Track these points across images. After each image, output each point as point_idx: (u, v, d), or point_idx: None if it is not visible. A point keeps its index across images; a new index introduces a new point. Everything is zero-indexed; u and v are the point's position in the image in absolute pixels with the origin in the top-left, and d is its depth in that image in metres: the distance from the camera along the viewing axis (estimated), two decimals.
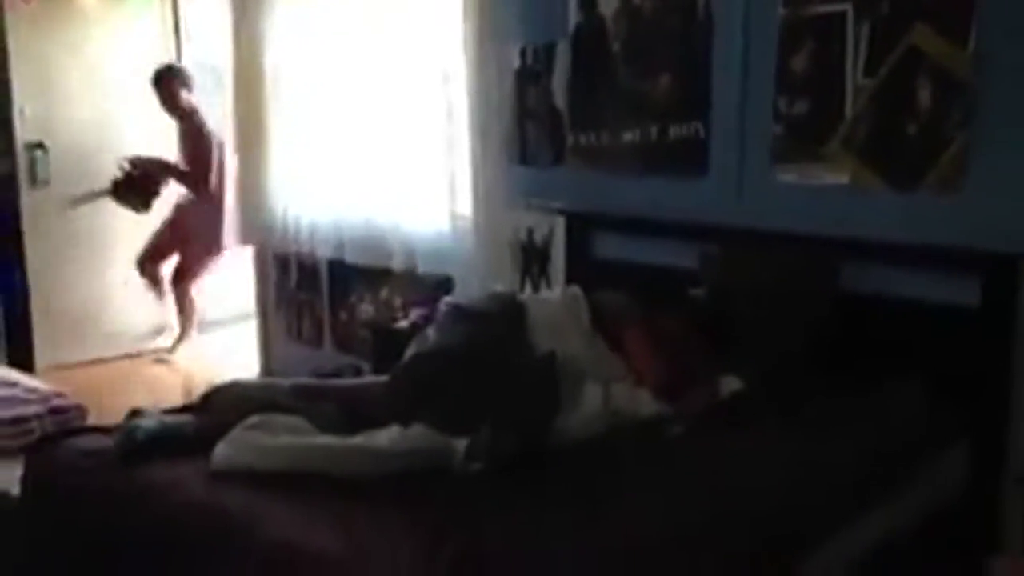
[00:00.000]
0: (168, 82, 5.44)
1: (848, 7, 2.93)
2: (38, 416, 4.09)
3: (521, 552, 1.75)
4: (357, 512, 1.90)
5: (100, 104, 5.46)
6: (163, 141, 5.60)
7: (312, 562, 1.76)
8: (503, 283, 3.84)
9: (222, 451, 2.16)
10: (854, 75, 2.94)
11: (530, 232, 3.85)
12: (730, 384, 2.65)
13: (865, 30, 2.90)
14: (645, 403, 2.51)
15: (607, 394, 2.46)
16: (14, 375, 4.66)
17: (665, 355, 2.65)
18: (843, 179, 2.99)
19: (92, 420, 3.78)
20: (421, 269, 4.18)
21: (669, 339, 2.70)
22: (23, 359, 5.07)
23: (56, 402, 4.27)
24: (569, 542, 1.81)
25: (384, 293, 4.51)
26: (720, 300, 2.96)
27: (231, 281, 5.83)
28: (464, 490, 2.04)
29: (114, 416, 2.58)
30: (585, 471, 2.16)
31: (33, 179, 5.23)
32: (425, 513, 1.88)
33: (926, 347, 2.74)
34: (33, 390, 4.37)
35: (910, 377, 2.68)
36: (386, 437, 2.19)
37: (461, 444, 2.16)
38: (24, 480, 2.41)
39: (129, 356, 5.63)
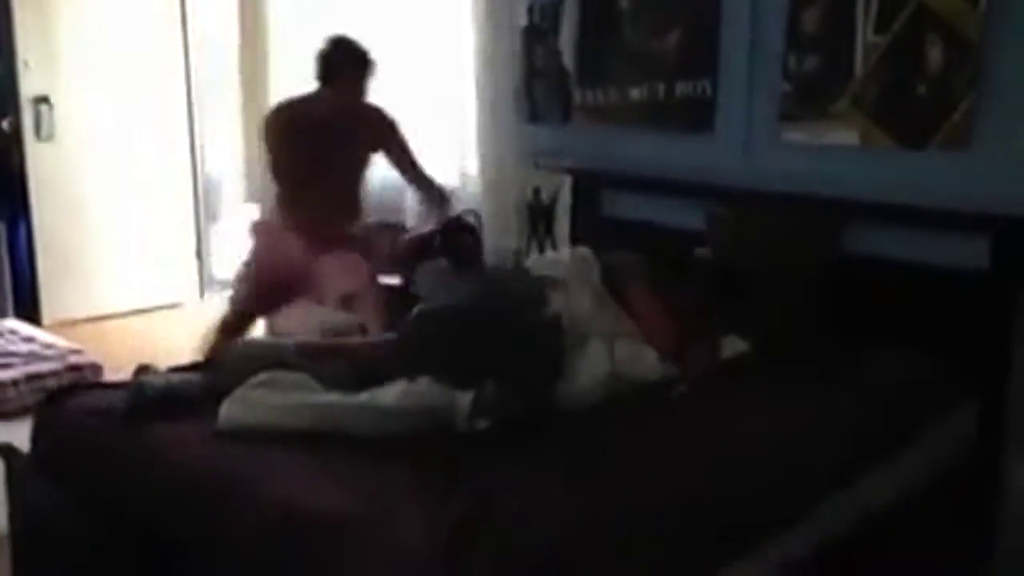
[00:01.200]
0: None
1: None
2: (55, 373, 4.14)
3: (524, 511, 1.76)
4: (362, 470, 1.91)
5: (106, 61, 5.41)
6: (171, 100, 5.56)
7: (317, 520, 1.77)
8: (510, 241, 3.84)
9: (228, 410, 2.17)
10: (864, 33, 2.91)
11: (536, 191, 3.84)
12: (733, 344, 2.66)
13: None
14: (650, 363, 2.52)
15: (612, 354, 2.46)
16: (30, 330, 4.70)
17: (671, 315, 2.65)
18: (852, 138, 2.97)
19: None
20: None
21: (675, 299, 2.70)
22: (30, 314, 5.09)
23: (73, 359, 4.32)
24: (566, 502, 1.82)
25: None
26: (726, 260, 2.95)
27: (239, 240, 5.82)
28: (469, 448, 2.05)
29: (121, 372, 2.59)
30: (587, 431, 2.17)
31: (38, 134, 5.21)
32: (431, 472, 1.89)
33: (934, 309, 2.74)
34: (50, 346, 4.41)
35: (916, 339, 2.68)
36: (392, 394, 2.19)
37: (466, 401, 2.17)
38: (33, 436, 2.43)
39: (138, 311, 5.64)
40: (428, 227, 3.66)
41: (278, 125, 3.65)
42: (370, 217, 3.85)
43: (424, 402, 2.17)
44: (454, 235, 3.52)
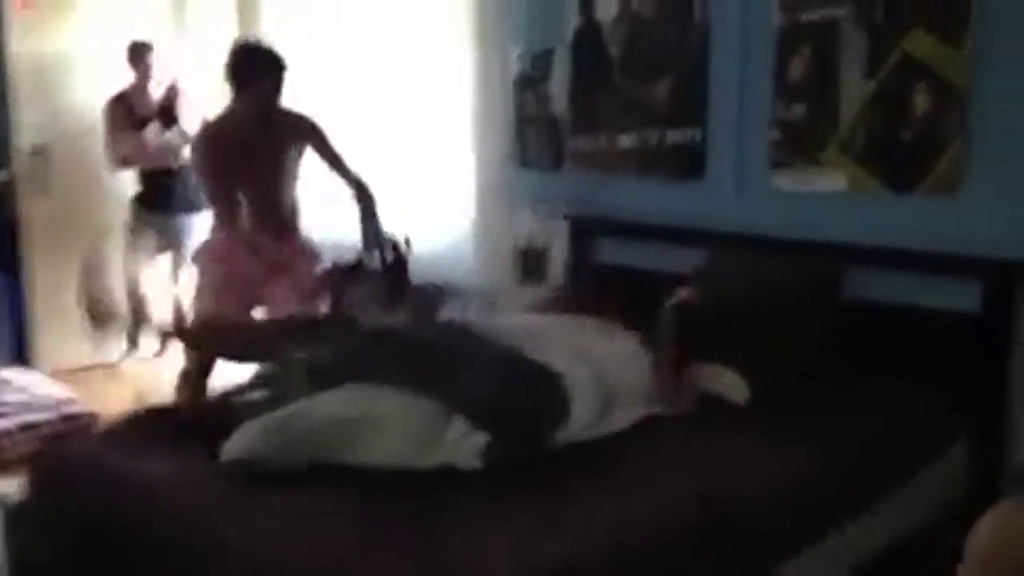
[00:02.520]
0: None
1: (844, 13, 2.95)
2: (49, 422, 4.12)
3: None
4: (342, 516, 1.90)
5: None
6: None
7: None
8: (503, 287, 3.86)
9: (230, 444, 2.14)
10: (850, 80, 2.96)
11: (531, 237, 3.86)
12: (735, 386, 2.66)
13: (861, 36, 2.92)
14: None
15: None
16: (25, 379, 4.68)
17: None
18: (840, 184, 3.01)
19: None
20: (420, 275, 4.19)
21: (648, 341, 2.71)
22: (25, 363, 5.07)
23: (67, 409, 4.29)
24: (547, 546, 1.82)
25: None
26: (716, 301, 2.96)
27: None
28: (462, 488, 2.05)
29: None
30: (573, 468, 2.17)
31: (34, 185, 5.23)
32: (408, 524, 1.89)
33: (926, 353, 2.76)
34: (44, 396, 4.39)
35: (909, 382, 2.70)
36: (392, 416, 2.18)
37: (478, 439, 2.15)
38: (31, 483, 2.43)
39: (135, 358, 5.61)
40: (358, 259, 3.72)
41: (204, 150, 3.73)
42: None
43: (434, 437, 2.16)
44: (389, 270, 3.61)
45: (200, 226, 4.65)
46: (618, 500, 2.01)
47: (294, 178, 3.86)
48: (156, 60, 4.85)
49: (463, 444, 2.15)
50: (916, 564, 2.48)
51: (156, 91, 4.84)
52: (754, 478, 2.20)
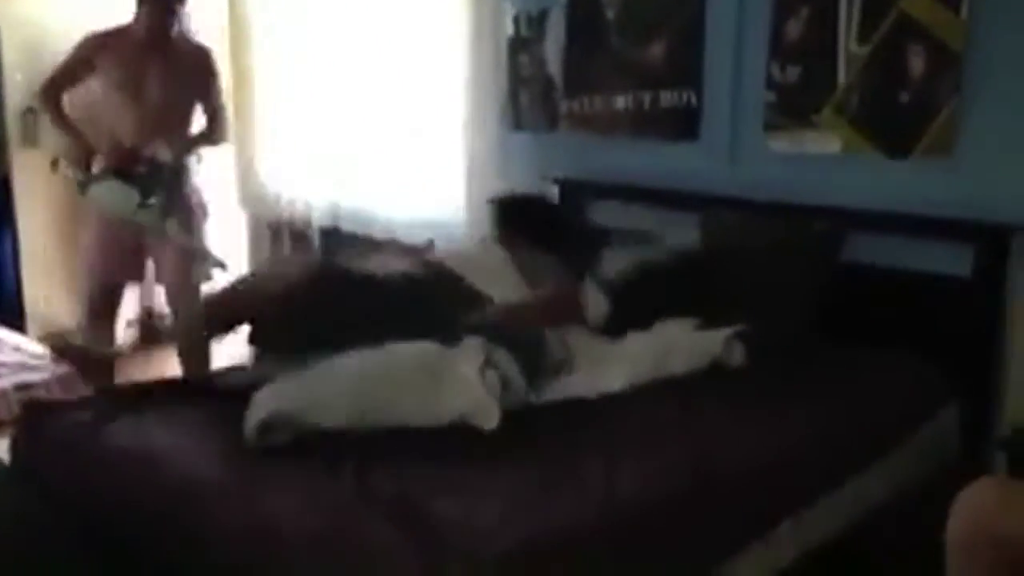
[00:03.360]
0: None
1: None
2: (44, 383, 4.10)
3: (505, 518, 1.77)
4: (343, 483, 1.90)
5: None
6: None
7: (288, 540, 1.74)
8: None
9: (254, 413, 2.09)
10: (847, 42, 2.94)
11: None
12: (730, 348, 2.64)
13: None
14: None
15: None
16: (16, 338, 4.66)
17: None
18: (835, 147, 3.00)
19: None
20: (411, 237, 4.18)
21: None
22: (17, 326, 5.06)
23: (61, 370, 4.29)
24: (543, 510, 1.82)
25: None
26: (715, 261, 2.96)
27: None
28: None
29: None
30: (568, 428, 2.20)
31: (25, 142, 5.19)
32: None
33: (918, 316, 2.77)
34: (38, 356, 4.38)
35: (901, 343, 2.71)
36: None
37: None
38: (13, 446, 2.41)
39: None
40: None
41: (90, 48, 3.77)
42: None
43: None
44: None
45: None
46: (610, 464, 2.01)
47: (186, 117, 3.90)
48: None
49: (476, 384, 2.18)
50: (904, 528, 2.50)
51: None
52: (748, 442, 2.20)
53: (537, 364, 2.38)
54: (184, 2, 3.75)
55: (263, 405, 2.09)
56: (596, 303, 2.78)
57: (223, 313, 2.58)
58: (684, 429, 2.22)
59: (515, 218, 3.28)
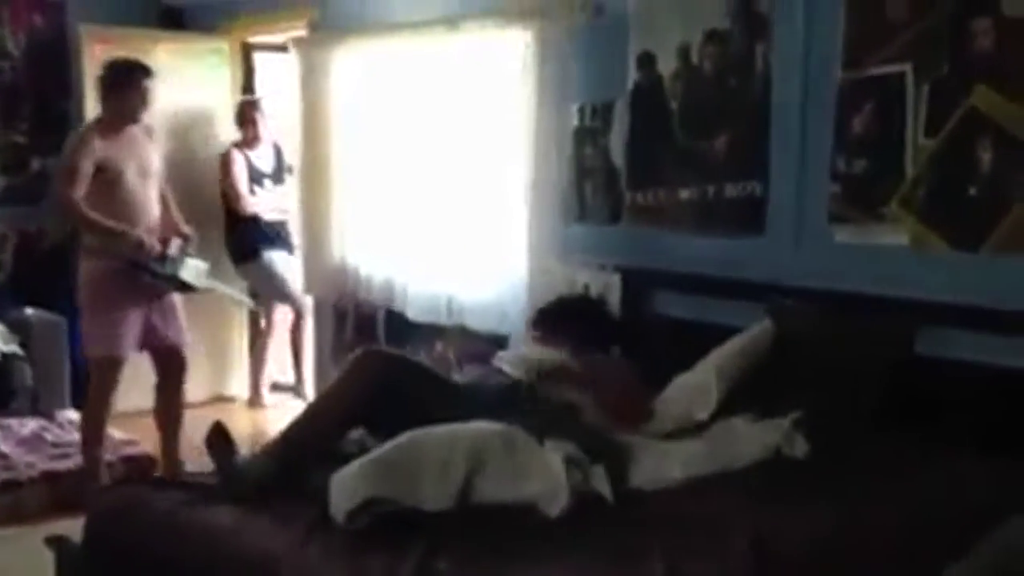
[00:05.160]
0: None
1: (908, 68, 2.93)
2: (109, 464, 4.18)
3: None
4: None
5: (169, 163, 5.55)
6: None
7: None
8: None
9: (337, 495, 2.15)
10: (914, 135, 2.93)
11: (586, 288, 3.86)
12: (792, 440, 2.61)
13: (925, 91, 2.90)
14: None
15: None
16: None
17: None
18: (902, 239, 2.97)
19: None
20: (475, 325, 4.21)
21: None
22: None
23: (127, 450, 4.37)
24: None
25: (439, 348, 4.54)
26: (780, 351, 2.93)
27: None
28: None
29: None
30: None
31: None
32: None
33: (991, 413, 2.69)
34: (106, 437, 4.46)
35: (972, 443, 2.63)
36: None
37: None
38: (87, 526, 2.46)
39: (194, 404, 5.68)
40: None
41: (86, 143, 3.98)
42: None
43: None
44: None
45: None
46: (670, 555, 1.99)
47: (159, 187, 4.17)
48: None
49: (559, 471, 2.20)
50: None
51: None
52: (809, 536, 2.16)
53: (620, 473, 2.39)
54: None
55: (352, 487, 2.12)
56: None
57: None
58: (744, 520, 2.18)
59: (564, 322, 3.28)
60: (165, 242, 4.05)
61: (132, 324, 4.02)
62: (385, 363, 2.64)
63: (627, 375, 2.99)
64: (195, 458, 4.06)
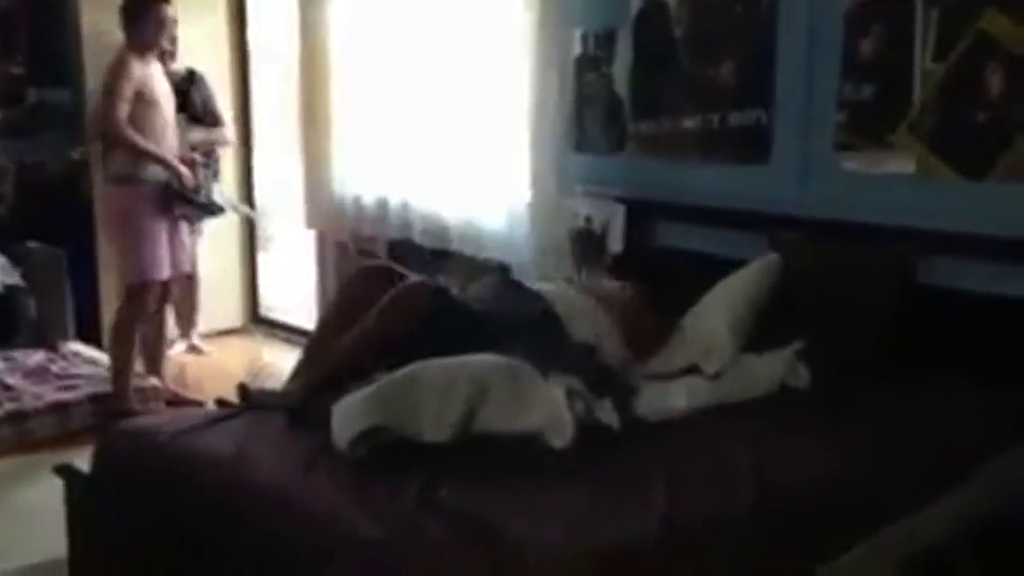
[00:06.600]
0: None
1: None
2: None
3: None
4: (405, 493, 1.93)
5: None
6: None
7: (349, 544, 1.80)
8: (561, 271, 3.85)
9: (339, 423, 2.16)
10: (922, 61, 2.88)
11: (588, 220, 3.84)
12: (794, 370, 2.62)
13: (934, 15, 2.83)
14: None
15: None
16: (92, 352, 4.81)
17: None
18: (909, 167, 2.93)
19: None
20: (478, 253, 4.20)
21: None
22: (94, 340, 5.19)
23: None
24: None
25: (442, 278, 4.54)
26: (784, 282, 2.93)
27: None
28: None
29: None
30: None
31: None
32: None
33: (994, 342, 2.68)
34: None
35: (975, 372, 2.63)
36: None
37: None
38: (95, 456, 2.48)
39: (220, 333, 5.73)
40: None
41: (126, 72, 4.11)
42: None
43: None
44: None
45: None
46: (672, 483, 2.02)
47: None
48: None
49: (560, 404, 2.21)
50: (970, 562, 2.43)
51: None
52: (810, 466, 2.18)
53: (625, 404, 2.39)
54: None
55: (355, 418, 2.13)
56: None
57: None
58: (746, 450, 2.20)
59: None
60: (193, 166, 4.12)
61: (165, 247, 4.17)
62: (429, 300, 2.54)
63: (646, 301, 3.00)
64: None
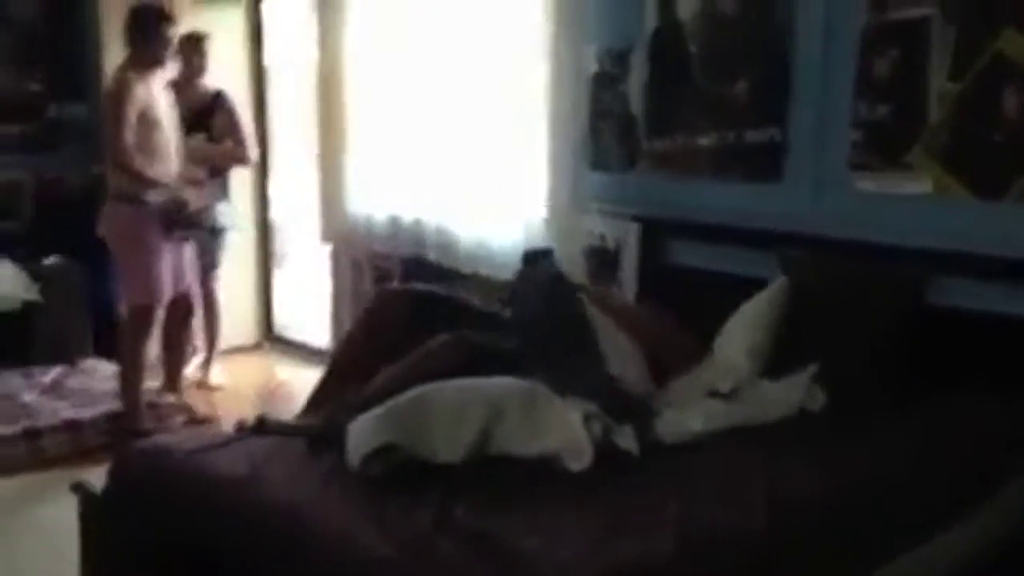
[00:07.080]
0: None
1: (934, 11, 2.86)
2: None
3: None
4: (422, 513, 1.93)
5: None
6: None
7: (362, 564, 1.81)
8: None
9: (354, 444, 2.17)
10: (938, 81, 2.87)
11: (602, 238, 3.84)
12: (813, 394, 2.61)
13: (951, 35, 2.83)
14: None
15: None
16: (109, 368, 4.80)
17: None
18: (925, 187, 2.92)
19: None
20: (493, 273, 4.20)
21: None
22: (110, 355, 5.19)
23: (151, 399, 4.40)
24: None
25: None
26: (796, 302, 2.92)
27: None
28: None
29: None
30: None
31: None
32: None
33: (1010, 363, 2.66)
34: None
35: (991, 393, 2.61)
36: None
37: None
38: (110, 474, 2.49)
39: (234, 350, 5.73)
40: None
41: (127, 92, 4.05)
42: None
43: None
44: None
45: None
46: (686, 503, 2.02)
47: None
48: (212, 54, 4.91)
49: (577, 426, 2.22)
50: None
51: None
52: (824, 487, 2.17)
53: (646, 430, 2.39)
54: None
55: (368, 436, 2.15)
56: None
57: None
58: (761, 470, 2.20)
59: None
60: (198, 185, 4.13)
61: (167, 268, 4.14)
62: (466, 354, 2.56)
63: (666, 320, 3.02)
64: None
